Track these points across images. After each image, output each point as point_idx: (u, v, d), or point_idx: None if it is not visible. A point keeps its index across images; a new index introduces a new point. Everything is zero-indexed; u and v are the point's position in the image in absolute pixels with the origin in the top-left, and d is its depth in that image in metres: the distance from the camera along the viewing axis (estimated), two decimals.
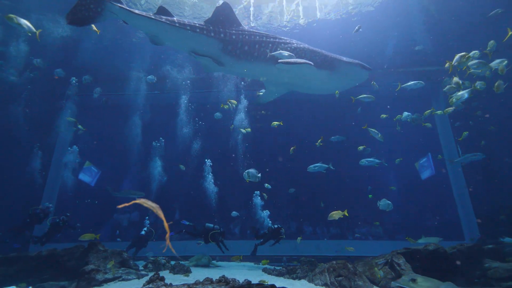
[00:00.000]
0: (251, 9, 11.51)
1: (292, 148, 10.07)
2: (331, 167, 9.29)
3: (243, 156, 13.49)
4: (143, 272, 6.76)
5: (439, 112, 8.43)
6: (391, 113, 10.25)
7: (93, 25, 7.37)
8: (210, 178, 12.67)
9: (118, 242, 11.62)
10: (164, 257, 7.96)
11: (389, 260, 6.06)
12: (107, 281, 5.59)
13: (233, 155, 13.68)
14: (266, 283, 3.64)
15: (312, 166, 9.31)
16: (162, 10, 7.34)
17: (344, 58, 8.98)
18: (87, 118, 13.91)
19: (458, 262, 5.64)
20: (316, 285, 5.94)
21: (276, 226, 9.31)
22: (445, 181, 12.93)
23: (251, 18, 11.76)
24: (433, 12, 10.59)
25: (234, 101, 10.81)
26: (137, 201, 2.45)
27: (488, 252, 5.94)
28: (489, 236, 9.66)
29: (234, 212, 10.40)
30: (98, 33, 7.66)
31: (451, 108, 7.52)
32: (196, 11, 11.42)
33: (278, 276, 7.21)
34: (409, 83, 8.36)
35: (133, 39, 12.10)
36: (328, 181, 14.12)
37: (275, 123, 10.02)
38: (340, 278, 5.44)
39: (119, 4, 6.69)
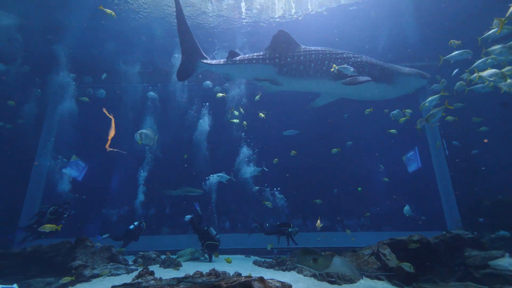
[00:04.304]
0: (242, 4, 11.35)
1: (275, 159, 11.01)
2: (233, 179, 10.19)
3: (239, 151, 13.48)
4: (132, 267, 6.73)
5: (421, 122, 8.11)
6: (379, 109, 10.45)
7: (106, 10, 7.80)
8: (205, 171, 12.64)
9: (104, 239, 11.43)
10: (154, 252, 7.94)
11: (376, 251, 6.24)
12: (95, 276, 5.54)
13: (229, 149, 13.65)
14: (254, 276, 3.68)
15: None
16: (232, 53, 9.15)
17: (403, 69, 8.93)
18: (80, 112, 13.48)
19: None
20: (304, 276, 6.08)
21: (283, 222, 9.55)
22: (430, 175, 13.34)
23: (242, 10, 11.58)
24: (424, 8, 10.68)
25: (242, 110, 11.79)
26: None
27: (468, 242, 6.19)
28: (470, 227, 10.07)
29: (187, 216, 10.44)
30: (114, 15, 7.98)
31: (424, 121, 7.30)
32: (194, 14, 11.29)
33: (268, 268, 7.32)
34: (453, 54, 7.32)
35: (132, 22, 11.65)
36: (319, 175, 14.37)
37: (262, 115, 10.53)
38: None
39: (203, 61, 9.13)
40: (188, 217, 10.16)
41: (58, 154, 12.86)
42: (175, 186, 12.73)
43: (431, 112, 6.55)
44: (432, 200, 13.20)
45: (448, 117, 8.07)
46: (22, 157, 12.77)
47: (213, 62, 9.28)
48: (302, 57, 8.77)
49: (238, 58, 9.14)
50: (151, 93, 13.13)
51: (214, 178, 9.82)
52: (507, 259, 4.82)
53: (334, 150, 10.77)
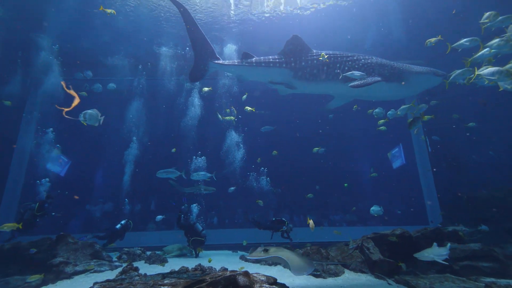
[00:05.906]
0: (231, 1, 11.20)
1: (258, 159, 11.30)
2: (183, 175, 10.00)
3: (228, 147, 13.40)
4: (116, 263, 6.60)
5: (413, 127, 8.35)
6: (365, 107, 10.63)
7: (106, 10, 7.64)
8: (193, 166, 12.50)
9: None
10: (139, 248, 7.82)
11: (360, 245, 6.38)
12: (77, 273, 5.40)
13: (219, 145, 13.54)
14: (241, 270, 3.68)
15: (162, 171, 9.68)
16: (245, 55, 9.11)
17: (415, 68, 8.98)
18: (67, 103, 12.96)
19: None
20: None
21: (278, 218, 9.59)
22: (413, 171, 13.74)
23: (232, 6, 11.43)
24: (410, 5, 10.85)
25: (234, 110, 11.83)
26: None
27: (448, 235, 6.43)
28: (450, 221, 10.45)
29: (158, 216, 10.29)
30: (114, 13, 7.83)
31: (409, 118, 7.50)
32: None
33: (255, 263, 7.35)
34: (461, 41, 6.80)
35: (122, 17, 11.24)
36: (306, 171, 14.52)
37: (248, 108, 10.72)
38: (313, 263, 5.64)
39: (216, 61, 9.05)
40: (159, 217, 10.05)
41: (40, 140, 12.39)
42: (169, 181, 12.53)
43: (411, 121, 6.75)
44: (415, 195, 13.61)
45: (425, 116, 8.35)
46: (3, 140, 12.27)
47: (226, 62, 9.29)
48: (315, 61, 8.93)
49: (253, 60, 9.17)
50: (111, 85, 12.71)
51: (162, 174, 9.46)
52: (434, 248, 4.92)
53: (315, 149, 11.08)
